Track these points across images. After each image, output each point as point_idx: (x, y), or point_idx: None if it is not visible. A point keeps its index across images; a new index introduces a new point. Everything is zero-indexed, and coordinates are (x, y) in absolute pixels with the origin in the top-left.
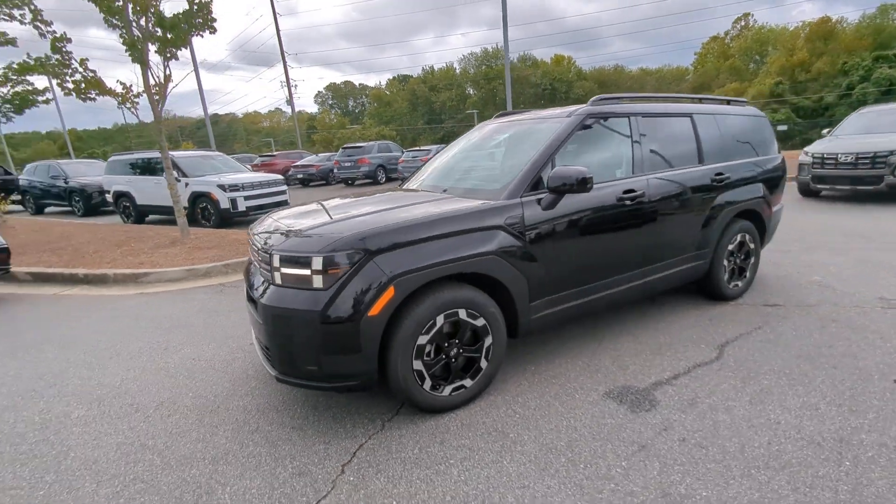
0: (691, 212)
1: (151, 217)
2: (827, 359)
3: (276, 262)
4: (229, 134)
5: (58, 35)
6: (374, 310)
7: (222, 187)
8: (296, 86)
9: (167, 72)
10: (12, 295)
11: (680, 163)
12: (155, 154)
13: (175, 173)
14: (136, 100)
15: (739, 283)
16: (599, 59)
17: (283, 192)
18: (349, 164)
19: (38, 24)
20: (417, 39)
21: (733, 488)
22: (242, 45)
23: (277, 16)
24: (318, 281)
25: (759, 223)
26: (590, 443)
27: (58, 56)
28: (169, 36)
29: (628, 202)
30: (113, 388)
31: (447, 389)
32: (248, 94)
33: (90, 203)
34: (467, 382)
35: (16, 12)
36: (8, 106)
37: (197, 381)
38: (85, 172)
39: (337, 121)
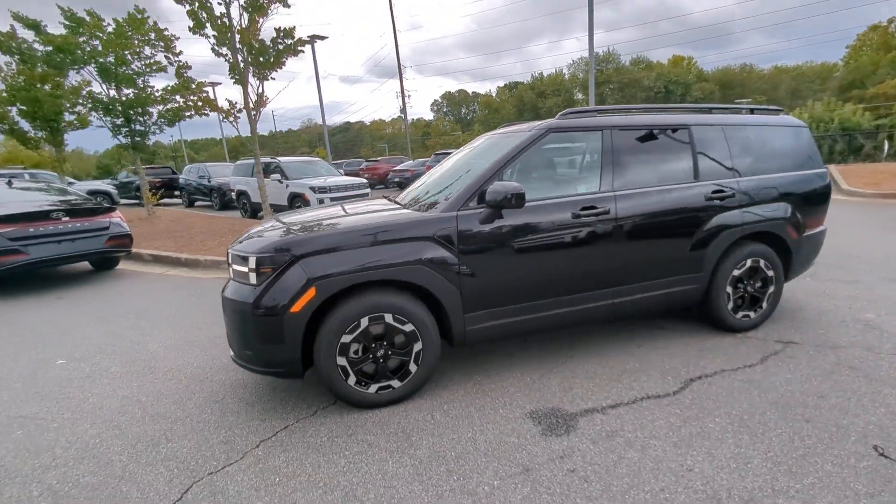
0: (677, 231)
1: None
2: (806, 410)
3: (229, 259)
4: (357, 140)
5: (182, 63)
6: (296, 307)
7: (313, 189)
8: (409, 96)
9: (260, 90)
10: (133, 271)
11: (668, 178)
12: (270, 159)
13: (279, 176)
14: (238, 114)
15: (751, 315)
16: (728, 58)
17: (365, 195)
18: None
19: (169, 54)
20: (533, 45)
21: None
22: (372, 59)
23: (397, 32)
24: (252, 278)
25: (782, 248)
26: (478, 457)
27: (181, 80)
28: (261, 59)
29: (589, 219)
30: (149, 352)
31: (373, 388)
32: (376, 103)
33: (224, 199)
34: (395, 383)
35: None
36: (163, 119)
37: (208, 355)
38: (225, 174)
39: (449, 127)
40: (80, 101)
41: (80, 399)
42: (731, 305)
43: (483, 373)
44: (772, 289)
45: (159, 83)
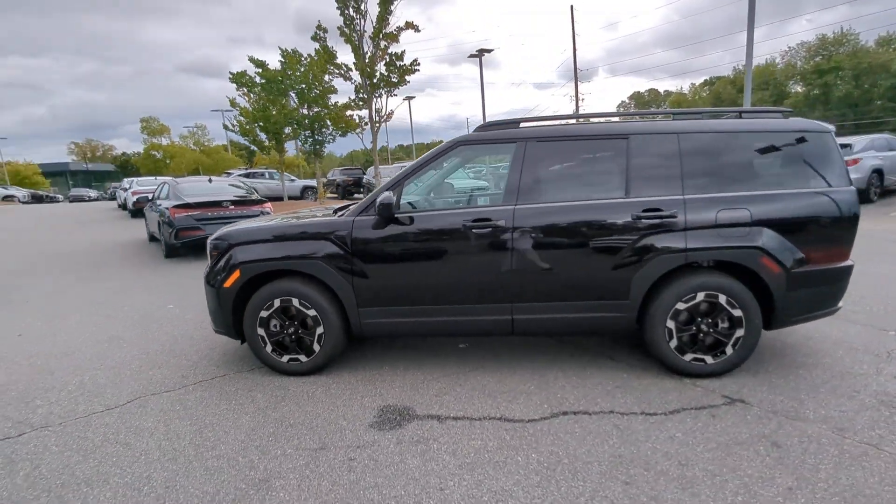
0: (592, 251)
1: None
2: (646, 474)
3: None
4: None
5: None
6: (228, 283)
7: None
8: (583, 99)
9: (385, 110)
10: None
11: (594, 192)
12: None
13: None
14: (365, 127)
15: (707, 360)
16: None
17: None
18: None
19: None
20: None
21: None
22: (563, 63)
23: (584, 34)
24: (210, 258)
25: (759, 284)
26: (304, 429)
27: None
28: (374, 81)
29: (481, 231)
30: (178, 322)
31: (285, 358)
32: (569, 107)
33: None
34: (302, 358)
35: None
36: (337, 131)
37: None
38: (391, 174)
39: None
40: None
41: (154, 329)
42: (673, 344)
43: (392, 366)
44: (740, 332)
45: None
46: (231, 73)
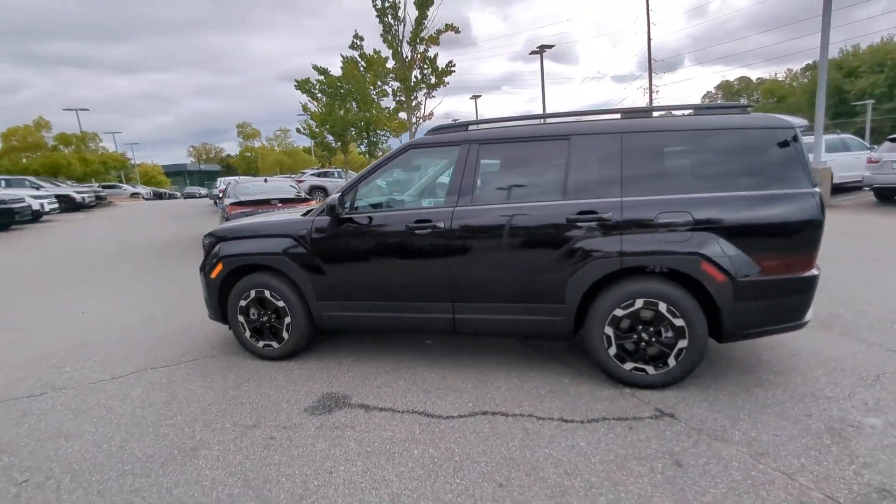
0: (526, 253)
1: None
2: (522, 478)
3: None
4: None
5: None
6: (213, 274)
7: None
8: (657, 91)
9: (424, 111)
10: None
11: (533, 194)
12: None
13: None
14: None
15: (648, 370)
16: None
17: None
18: None
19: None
20: (861, 8)
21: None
22: (643, 54)
23: (652, 25)
24: (203, 252)
25: (705, 294)
26: (247, 408)
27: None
28: (410, 84)
29: (421, 232)
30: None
31: (261, 343)
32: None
33: None
34: (274, 344)
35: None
36: (390, 133)
37: None
38: None
39: None
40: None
41: (181, 313)
42: (612, 351)
43: (355, 357)
44: (683, 343)
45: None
46: (296, 80)
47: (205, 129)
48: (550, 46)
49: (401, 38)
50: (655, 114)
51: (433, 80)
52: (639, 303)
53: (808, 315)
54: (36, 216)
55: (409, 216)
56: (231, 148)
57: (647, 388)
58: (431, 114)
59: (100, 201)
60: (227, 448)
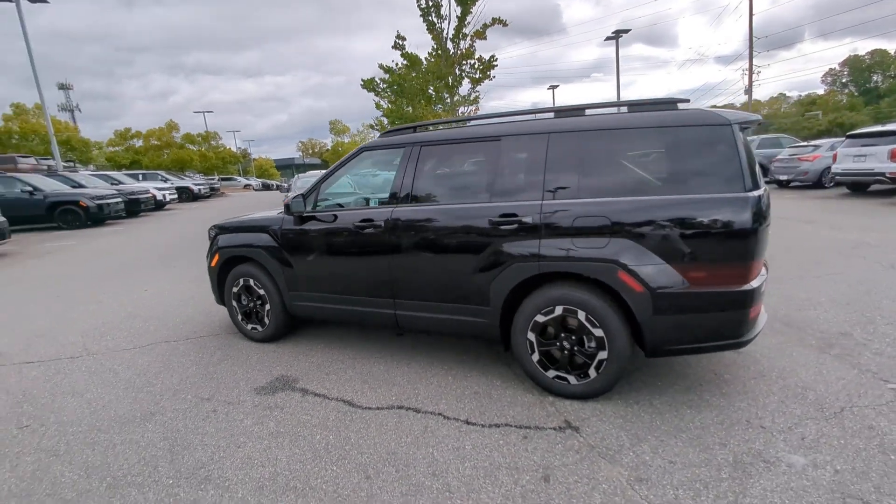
0: (453, 254)
1: None
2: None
3: None
4: None
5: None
6: (213, 262)
7: None
8: (759, 72)
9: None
10: None
11: (464, 196)
12: None
13: None
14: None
15: (570, 380)
16: None
17: None
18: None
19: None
20: None
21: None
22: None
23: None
24: (209, 241)
25: (621, 302)
26: (207, 382)
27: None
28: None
29: (365, 230)
30: None
31: (249, 326)
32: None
33: None
34: (258, 327)
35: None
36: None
37: None
38: None
39: (847, 102)
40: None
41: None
42: (535, 357)
43: (326, 345)
44: (603, 355)
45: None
46: (363, 80)
47: (312, 125)
48: (626, 31)
49: (445, 35)
50: (590, 112)
51: (478, 75)
52: (559, 310)
53: (753, 332)
54: (159, 205)
55: (357, 215)
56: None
57: (569, 398)
58: (477, 108)
59: (213, 192)
60: (177, 416)
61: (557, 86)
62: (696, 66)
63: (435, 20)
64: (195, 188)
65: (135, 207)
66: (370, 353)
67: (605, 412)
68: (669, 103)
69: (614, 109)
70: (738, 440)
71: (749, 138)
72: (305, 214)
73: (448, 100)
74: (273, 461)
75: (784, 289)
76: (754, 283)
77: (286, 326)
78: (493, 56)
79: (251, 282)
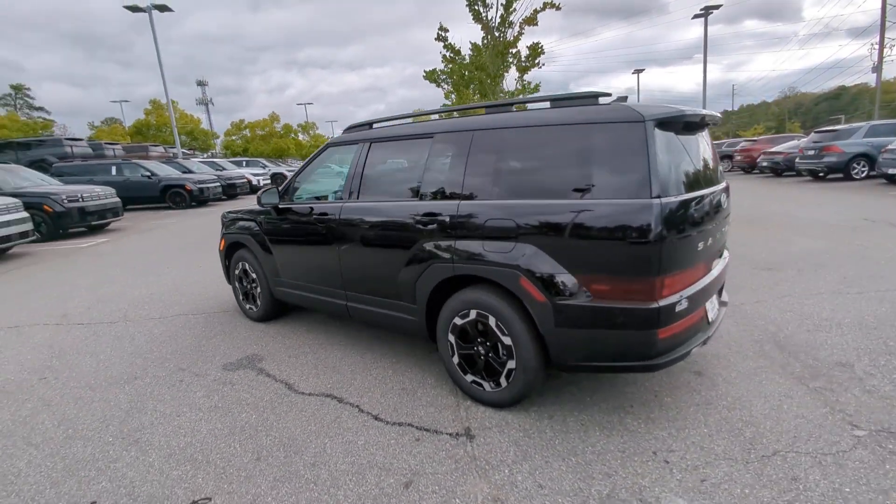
0: (385, 251)
1: None
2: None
3: None
4: (850, 107)
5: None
6: (221, 246)
7: None
8: (893, 46)
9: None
10: None
11: (402, 192)
12: None
13: None
14: None
15: (485, 386)
16: None
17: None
18: (813, 151)
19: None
20: None
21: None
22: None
23: None
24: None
25: (525, 312)
26: (183, 356)
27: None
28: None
29: (321, 223)
30: None
31: (248, 305)
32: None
33: None
34: (254, 306)
35: None
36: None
37: None
38: None
39: None
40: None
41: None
42: (456, 360)
43: (309, 329)
44: (511, 364)
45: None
46: (425, 71)
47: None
48: (717, 7)
49: (492, 24)
50: (522, 109)
51: (525, 62)
52: (473, 314)
53: (670, 355)
54: (253, 189)
55: (318, 209)
56: None
57: (484, 405)
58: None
59: None
60: (151, 382)
61: (643, 70)
62: (822, 41)
63: (480, 8)
64: (288, 173)
65: (231, 191)
66: (338, 340)
67: (510, 423)
68: (590, 98)
69: (541, 105)
70: (628, 472)
71: (857, 124)
72: (281, 206)
73: (494, 91)
74: (194, 433)
75: (808, 304)
76: (664, 301)
77: (274, 308)
78: (537, 43)
79: (247, 266)
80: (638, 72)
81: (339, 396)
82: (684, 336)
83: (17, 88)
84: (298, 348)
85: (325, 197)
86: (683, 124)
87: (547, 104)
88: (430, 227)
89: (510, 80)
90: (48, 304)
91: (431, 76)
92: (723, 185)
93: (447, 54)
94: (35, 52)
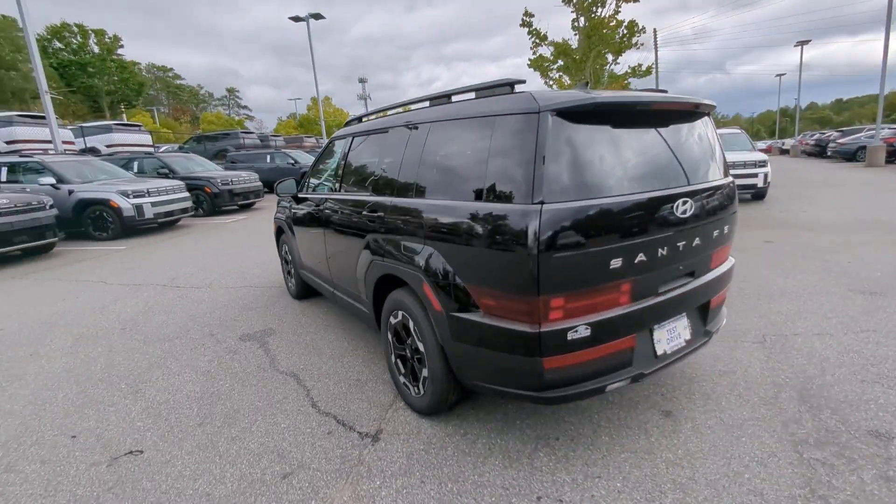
0: (349, 243)
1: None
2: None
3: None
4: None
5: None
6: (273, 229)
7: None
8: None
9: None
10: None
11: (362, 186)
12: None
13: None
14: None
15: (412, 390)
16: None
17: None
18: None
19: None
20: None
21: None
22: None
23: None
24: None
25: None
26: (178, 342)
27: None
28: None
29: (317, 214)
30: None
31: (289, 282)
32: None
33: None
34: (292, 283)
35: None
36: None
37: None
38: None
39: None
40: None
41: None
42: (393, 358)
43: (329, 308)
44: (425, 372)
45: None
46: (529, 59)
47: None
48: None
49: (581, 6)
50: (456, 99)
51: (618, 41)
52: (399, 315)
53: (568, 391)
54: None
55: (318, 200)
56: None
57: (411, 408)
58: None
59: None
60: (183, 343)
61: (808, 41)
62: None
63: None
64: None
65: None
66: (343, 325)
67: (421, 433)
68: (505, 86)
69: (468, 96)
70: (523, 493)
71: None
72: (298, 196)
73: (599, 77)
74: (176, 392)
75: (892, 347)
76: (550, 327)
77: (304, 288)
78: (633, 21)
79: (285, 247)
80: (802, 44)
81: (301, 378)
82: (588, 370)
83: (231, 91)
84: (305, 328)
85: (325, 188)
86: (619, 114)
87: (472, 95)
88: (373, 222)
89: (621, 62)
90: (169, 268)
91: (537, 64)
92: (704, 185)
93: (535, 41)
94: (247, 61)
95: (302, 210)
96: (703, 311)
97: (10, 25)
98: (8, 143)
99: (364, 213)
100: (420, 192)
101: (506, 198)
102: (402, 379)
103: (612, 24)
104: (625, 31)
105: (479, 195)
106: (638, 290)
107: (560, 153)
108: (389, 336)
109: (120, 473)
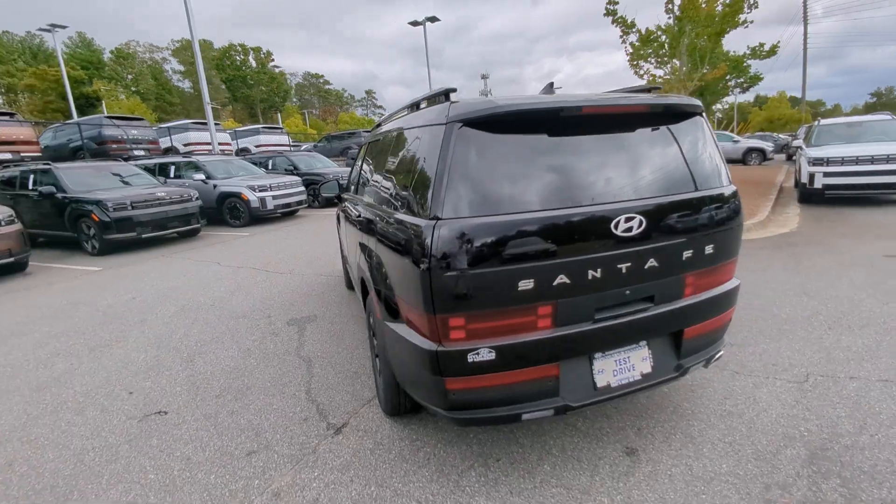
0: (353, 244)
1: None
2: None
3: None
4: None
5: None
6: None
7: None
8: None
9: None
10: None
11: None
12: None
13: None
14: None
15: (379, 390)
16: None
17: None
18: None
19: None
20: None
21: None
22: None
23: None
24: None
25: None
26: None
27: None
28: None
29: (348, 213)
30: None
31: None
32: None
33: None
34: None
35: None
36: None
37: None
38: None
39: None
40: None
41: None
42: (374, 358)
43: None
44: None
45: None
46: (632, 45)
47: None
48: None
49: None
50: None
51: (717, 20)
52: (371, 317)
53: (471, 414)
54: None
55: (352, 200)
56: None
57: (380, 407)
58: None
59: None
60: (244, 322)
61: None
62: None
63: None
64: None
65: None
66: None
67: (378, 432)
68: (441, 95)
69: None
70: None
71: None
72: (342, 196)
73: (686, 60)
74: (217, 364)
75: None
76: (449, 346)
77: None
78: None
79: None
80: None
81: (312, 365)
82: (500, 395)
83: (369, 92)
84: (342, 317)
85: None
86: (543, 122)
87: (425, 105)
88: (359, 226)
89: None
90: (270, 254)
91: (637, 50)
92: (666, 199)
93: (623, 30)
94: (385, 64)
95: (342, 210)
96: (676, 342)
97: (207, 47)
98: (185, 145)
99: (360, 216)
100: (383, 199)
101: (416, 211)
102: (377, 378)
103: (707, 1)
104: (725, 8)
105: (406, 206)
106: (564, 314)
107: (466, 166)
108: (370, 335)
109: (143, 428)
